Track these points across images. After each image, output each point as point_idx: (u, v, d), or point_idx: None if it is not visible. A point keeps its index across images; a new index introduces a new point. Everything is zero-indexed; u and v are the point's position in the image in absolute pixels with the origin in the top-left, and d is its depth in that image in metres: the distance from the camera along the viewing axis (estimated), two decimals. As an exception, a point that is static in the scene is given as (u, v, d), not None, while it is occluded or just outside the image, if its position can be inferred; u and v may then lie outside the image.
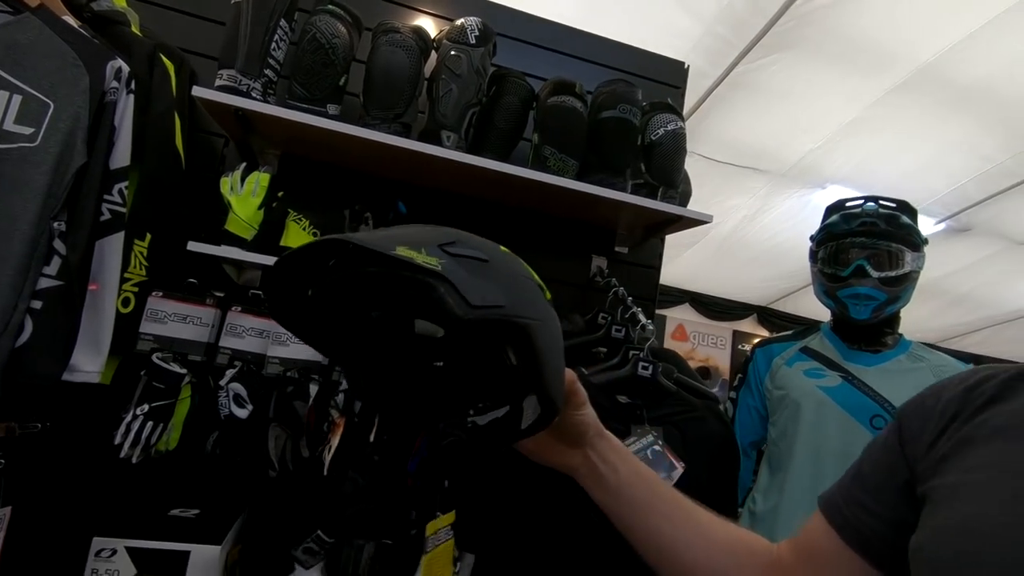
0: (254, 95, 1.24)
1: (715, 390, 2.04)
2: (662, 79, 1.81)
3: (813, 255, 1.44)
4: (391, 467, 1.34)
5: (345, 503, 1.14)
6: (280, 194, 1.33)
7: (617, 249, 1.72)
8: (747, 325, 6.71)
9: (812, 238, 1.45)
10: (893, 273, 1.29)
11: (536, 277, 0.51)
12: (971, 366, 0.52)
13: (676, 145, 1.47)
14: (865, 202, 1.35)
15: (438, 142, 1.32)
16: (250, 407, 1.20)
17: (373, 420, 1.26)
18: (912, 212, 1.34)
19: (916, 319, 6.03)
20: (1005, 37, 3.01)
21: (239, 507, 1.28)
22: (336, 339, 0.52)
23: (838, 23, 3.17)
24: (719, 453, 1.30)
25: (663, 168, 1.46)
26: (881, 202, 1.33)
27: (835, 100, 3.73)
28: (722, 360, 6.67)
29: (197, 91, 1.21)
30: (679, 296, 6.24)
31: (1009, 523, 0.38)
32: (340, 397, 1.26)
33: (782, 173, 4.41)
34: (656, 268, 1.78)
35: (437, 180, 1.47)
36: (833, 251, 1.36)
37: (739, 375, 1.57)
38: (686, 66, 1.83)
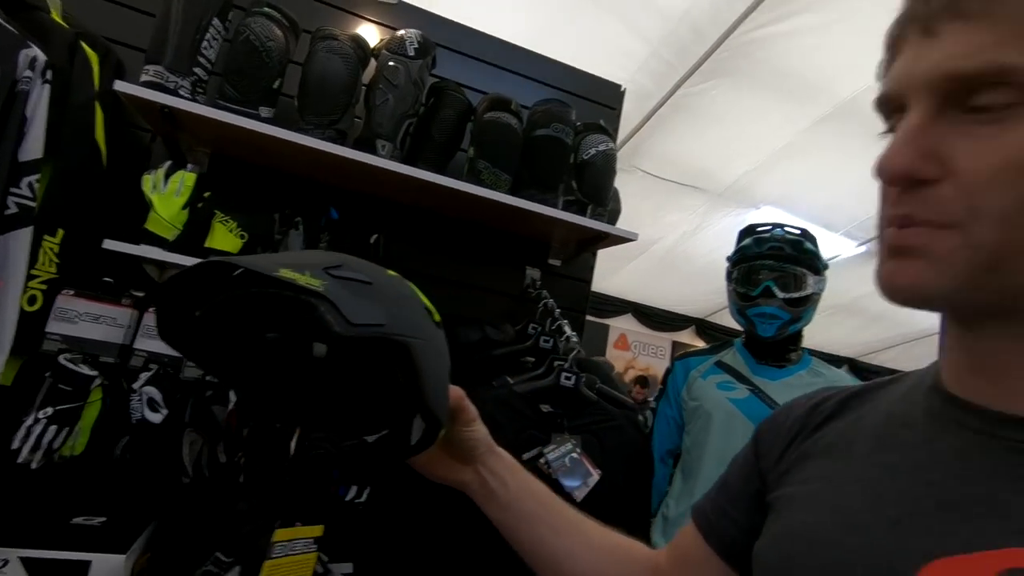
0: (182, 93, 1.22)
1: (652, 398, 2.13)
2: (599, 100, 1.88)
3: (729, 275, 1.53)
4: (315, 472, 1.33)
5: (242, 521, 1.13)
6: (207, 194, 1.30)
7: (551, 261, 1.77)
8: (686, 336, 6.96)
9: (728, 259, 1.55)
10: (797, 295, 1.40)
11: (424, 300, 0.54)
12: (861, 382, 0.57)
13: (607, 166, 1.54)
14: (774, 228, 1.45)
15: (372, 151, 1.33)
16: (165, 411, 1.17)
17: (295, 426, 1.25)
18: (814, 240, 1.46)
19: (839, 335, 6.43)
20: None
21: (150, 515, 1.24)
22: (228, 360, 0.53)
23: (770, 55, 3.37)
24: (634, 461, 1.36)
25: (593, 187, 1.52)
26: (787, 229, 1.44)
27: (768, 127, 3.96)
28: (661, 369, 6.87)
29: (120, 86, 1.18)
30: (622, 306, 6.41)
31: (828, 531, 0.43)
32: (262, 402, 1.24)
33: (719, 193, 4.63)
34: (587, 281, 1.84)
35: (371, 188, 1.48)
36: (745, 272, 1.46)
37: (660, 387, 1.65)
38: (622, 89, 1.91)
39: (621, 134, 4.18)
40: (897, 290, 0.37)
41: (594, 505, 1.27)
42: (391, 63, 1.35)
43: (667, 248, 5.48)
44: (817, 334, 5.40)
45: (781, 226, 1.44)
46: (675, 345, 6.97)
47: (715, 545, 0.56)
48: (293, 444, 1.19)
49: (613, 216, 1.64)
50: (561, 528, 0.62)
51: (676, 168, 4.42)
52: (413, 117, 1.40)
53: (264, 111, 1.29)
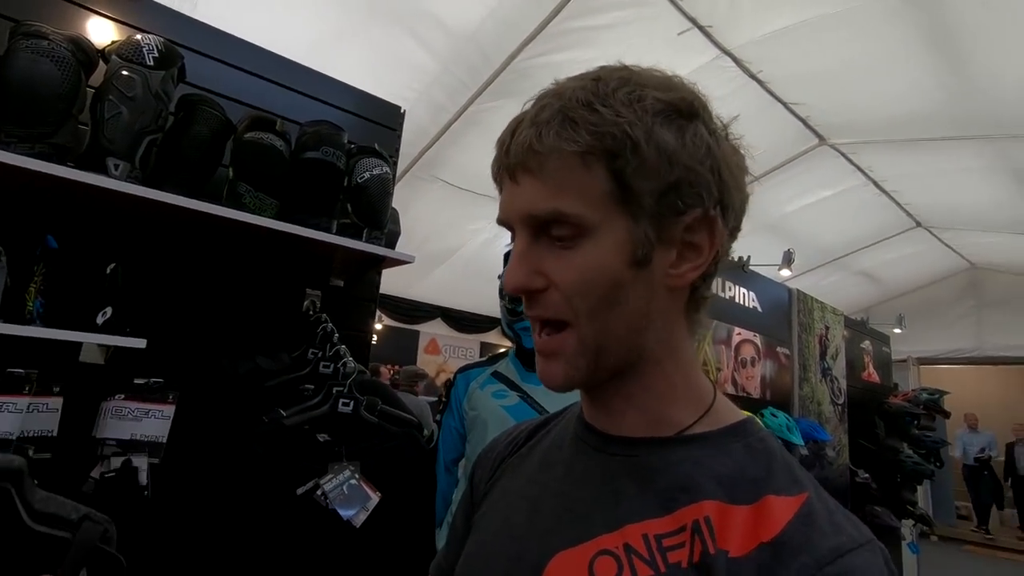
0: None
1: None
2: (380, 120, 1.90)
3: (500, 292, 1.68)
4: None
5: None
6: None
7: (333, 282, 1.74)
8: (493, 336, 7.34)
9: (499, 277, 1.69)
10: (554, 309, 1.59)
11: None
12: None
13: (382, 189, 1.56)
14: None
15: (103, 170, 1.17)
16: None
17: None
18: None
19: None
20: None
21: None
22: None
23: (549, 79, 3.72)
24: (414, 477, 1.42)
25: (369, 210, 1.54)
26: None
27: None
28: (471, 370, 7.13)
29: None
30: (431, 311, 6.52)
31: (497, 544, 0.53)
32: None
33: (512, 203, 4.98)
34: (373, 300, 1.85)
35: (103, 211, 1.29)
36: (512, 290, 1.61)
37: (444, 400, 1.74)
38: (402, 111, 1.96)
39: (420, 145, 4.27)
40: (553, 386, 0.50)
41: (377, 526, 1.30)
42: (124, 72, 1.20)
43: (471, 254, 5.73)
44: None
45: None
46: (483, 346, 7.31)
47: None
48: None
49: (392, 237, 1.67)
50: None
51: (474, 179, 4.65)
52: (156, 133, 1.26)
53: (-61, 118, 1.05)
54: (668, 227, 0.45)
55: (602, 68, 0.47)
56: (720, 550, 0.42)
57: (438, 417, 1.73)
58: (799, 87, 4.05)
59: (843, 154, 4.82)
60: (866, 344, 4.61)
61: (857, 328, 4.60)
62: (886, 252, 6.61)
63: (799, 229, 5.81)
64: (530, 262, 0.46)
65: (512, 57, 3.59)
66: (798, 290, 3.84)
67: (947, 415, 4.59)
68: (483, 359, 1.81)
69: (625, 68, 0.47)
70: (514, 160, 0.46)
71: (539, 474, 0.57)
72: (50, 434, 1.15)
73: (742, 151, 0.49)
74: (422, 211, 4.76)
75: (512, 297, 1.61)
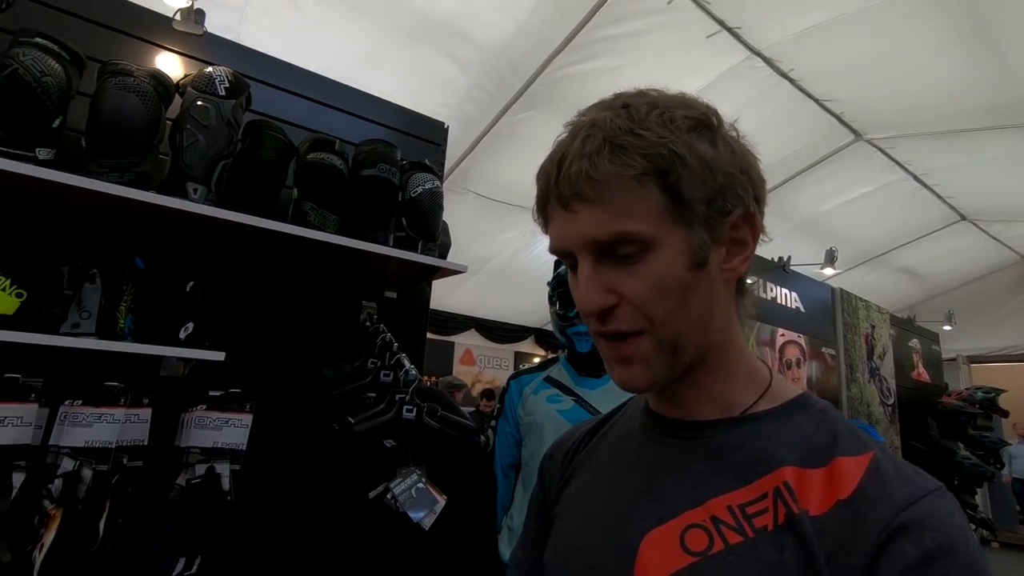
0: (-75, 132, 1.03)
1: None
2: (424, 136, 1.96)
3: (550, 299, 1.71)
4: (131, 553, 1.20)
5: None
6: (-34, 249, 1.11)
7: (387, 294, 1.80)
8: (527, 346, 7.36)
9: (549, 284, 1.73)
10: (605, 313, 1.61)
11: None
12: None
13: (433, 203, 1.62)
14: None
15: (183, 195, 1.25)
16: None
17: (103, 504, 1.12)
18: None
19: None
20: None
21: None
22: None
23: (577, 90, 3.76)
24: (477, 481, 1.45)
25: (422, 223, 1.59)
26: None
27: (581, 153, 4.42)
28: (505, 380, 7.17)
29: None
30: (465, 323, 6.58)
31: (582, 533, 0.57)
32: (57, 483, 1.09)
33: (545, 212, 5.02)
34: (424, 311, 1.90)
35: (182, 233, 1.38)
36: (563, 295, 1.64)
37: (498, 406, 1.77)
38: (446, 126, 2.02)
39: (452, 159, 4.35)
40: (634, 388, 0.53)
41: (444, 528, 1.33)
42: (200, 103, 1.28)
43: (502, 264, 5.79)
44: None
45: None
46: (517, 355, 7.33)
47: None
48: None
49: (444, 249, 1.73)
50: None
51: (504, 190, 4.71)
52: (228, 158, 1.34)
53: (43, 152, 1.14)
54: (718, 228, 0.50)
55: (620, 95, 0.51)
56: (803, 510, 0.45)
57: (493, 423, 1.77)
58: (832, 83, 4.00)
59: (880, 149, 4.73)
60: (914, 342, 4.48)
61: (904, 326, 4.48)
62: (930, 247, 6.42)
63: (838, 227, 5.70)
64: (600, 283, 0.49)
65: (542, 69, 3.65)
66: (841, 289, 3.77)
67: (1005, 414, 4.42)
68: (534, 364, 1.84)
69: (642, 93, 0.51)
70: (568, 191, 0.48)
71: (612, 465, 0.61)
72: (141, 443, 1.23)
73: (751, 148, 0.53)
74: (455, 224, 4.80)
75: (563, 303, 1.64)
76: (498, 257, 5.68)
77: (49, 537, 1.04)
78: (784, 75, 3.85)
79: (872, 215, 5.67)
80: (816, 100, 4.15)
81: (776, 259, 3.35)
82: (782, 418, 0.52)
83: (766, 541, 0.45)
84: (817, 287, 3.67)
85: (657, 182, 0.47)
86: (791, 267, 3.40)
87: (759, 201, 0.52)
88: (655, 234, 0.47)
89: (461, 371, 6.67)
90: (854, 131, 4.55)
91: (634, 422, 0.63)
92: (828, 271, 4.60)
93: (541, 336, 7.32)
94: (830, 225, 5.62)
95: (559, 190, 0.49)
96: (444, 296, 6.20)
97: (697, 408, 0.55)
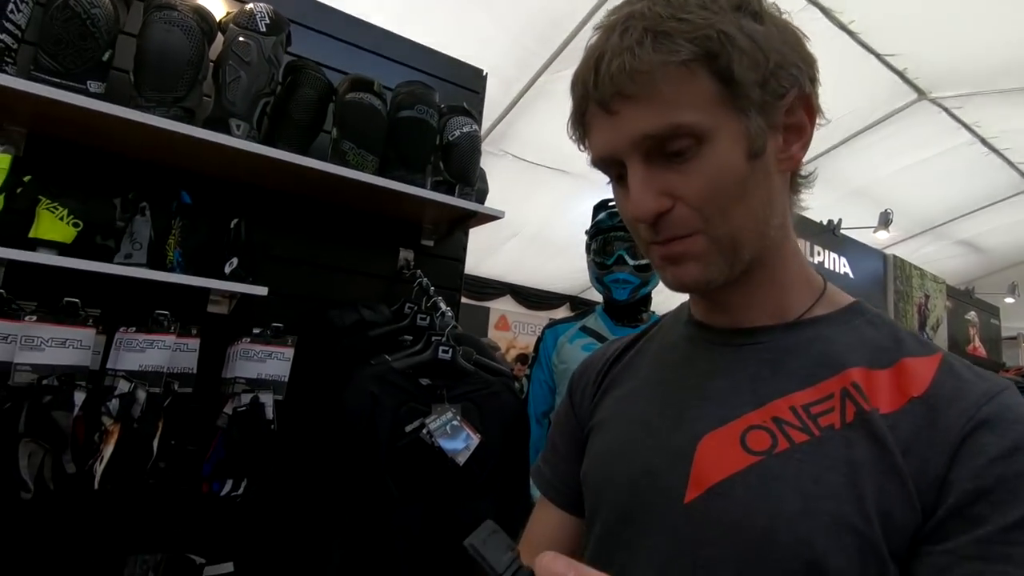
0: (-15, 62, 1.07)
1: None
2: (462, 83, 1.93)
3: (588, 247, 1.68)
4: (183, 472, 1.26)
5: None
6: (27, 179, 1.16)
7: (423, 242, 1.81)
8: (562, 313, 7.34)
9: (587, 232, 1.70)
10: (644, 261, 1.58)
11: None
12: None
13: (472, 146, 1.60)
14: (624, 202, 1.62)
15: (226, 130, 1.27)
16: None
17: (156, 425, 1.18)
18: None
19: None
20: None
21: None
22: None
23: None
24: (512, 423, 1.46)
25: (460, 167, 1.58)
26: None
27: (622, 113, 4.30)
28: (540, 346, 7.19)
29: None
30: (501, 289, 6.60)
31: (632, 439, 0.55)
32: (114, 403, 1.15)
33: (583, 175, 4.93)
34: (460, 260, 1.90)
35: (227, 170, 1.40)
36: (601, 243, 1.61)
37: (533, 354, 1.77)
38: (484, 73, 1.98)
39: (488, 119, 4.29)
40: (686, 286, 0.50)
41: (477, 467, 1.35)
42: (241, 38, 1.29)
43: (537, 228, 5.73)
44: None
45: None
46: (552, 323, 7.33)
47: (564, 505, 0.63)
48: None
49: (481, 195, 1.71)
50: None
51: (542, 152, 4.63)
52: (269, 96, 1.35)
53: (94, 85, 1.17)
54: (773, 113, 0.46)
55: None
56: (873, 408, 0.44)
57: (527, 372, 1.77)
58: (895, 37, 3.74)
59: (946, 109, 4.43)
60: (971, 315, 4.26)
61: (961, 298, 4.25)
62: (994, 218, 6.03)
63: (893, 194, 5.40)
64: (653, 185, 0.46)
65: (586, 20, 3.52)
66: (895, 255, 3.60)
67: (1067, 392, 4.17)
68: (570, 315, 1.83)
69: None
70: (609, 90, 0.44)
71: (658, 373, 0.59)
72: (190, 371, 1.28)
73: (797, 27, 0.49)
74: (492, 186, 4.81)
75: (601, 251, 1.61)
76: (534, 221, 5.63)
77: (108, 451, 1.10)
78: (844, 27, 3.62)
79: (931, 182, 5.34)
80: (877, 55, 3.89)
81: (826, 222, 3.21)
82: (841, 323, 0.51)
83: (834, 438, 0.44)
84: (869, 253, 3.51)
85: (707, 67, 0.43)
86: (842, 230, 3.25)
87: (813, 81, 0.48)
88: (709, 124, 0.44)
89: (496, 336, 6.73)
90: (918, 89, 4.26)
91: (675, 334, 0.60)
92: (882, 235, 4.39)
93: (576, 303, 7.29)
94: (884, 193, 5.32)
95: (599, 91, 0.45)
96: (479, 262, 6.21)
97: (750, 314, 0.53)
